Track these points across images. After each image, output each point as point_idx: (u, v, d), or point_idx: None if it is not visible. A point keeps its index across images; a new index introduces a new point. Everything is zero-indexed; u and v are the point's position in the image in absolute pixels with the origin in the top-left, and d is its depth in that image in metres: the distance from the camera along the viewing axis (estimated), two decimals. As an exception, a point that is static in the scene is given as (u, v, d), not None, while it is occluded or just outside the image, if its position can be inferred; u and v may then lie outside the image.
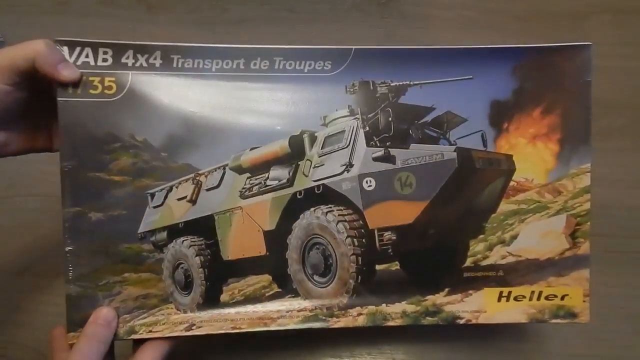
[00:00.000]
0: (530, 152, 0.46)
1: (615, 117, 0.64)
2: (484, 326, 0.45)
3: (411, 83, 0.44)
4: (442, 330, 0.57)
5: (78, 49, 0.42)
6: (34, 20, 0.66)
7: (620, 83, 0.65)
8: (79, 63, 0.42)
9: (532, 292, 0.45)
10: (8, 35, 0.65)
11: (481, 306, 0.45)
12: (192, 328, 0.44)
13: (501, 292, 0.45)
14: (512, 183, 0.46)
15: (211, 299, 0.47)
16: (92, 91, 0.42)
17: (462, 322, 0.44)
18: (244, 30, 0.67)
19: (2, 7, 0.66)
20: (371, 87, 0.44)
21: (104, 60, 0.42)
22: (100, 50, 0.42)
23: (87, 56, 0.42)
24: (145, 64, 0.43)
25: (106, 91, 0.42)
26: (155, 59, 0.43)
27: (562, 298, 0.45)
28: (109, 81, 0.42)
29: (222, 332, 0.44)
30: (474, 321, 0.44)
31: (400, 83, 0.44)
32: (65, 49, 0.41)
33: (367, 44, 0.65)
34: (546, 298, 0.45)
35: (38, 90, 0.43)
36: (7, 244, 0.60)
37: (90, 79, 0.42)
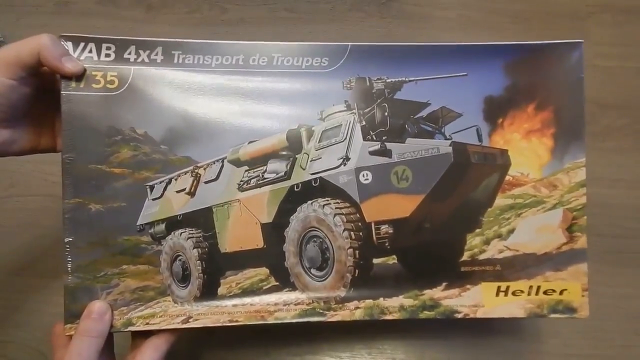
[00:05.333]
0: (525, 147, 0.48)
1: (615, 117, 0.67)
2: (482, 321, 0.47)
3: (406, 79, 0.47)
4: (442, 330, 0.59)
5: (82, 44, 0.45)
6: (34, 20, 0.70)
7: (621, 83, 0.67)
8: (82, 58, 0.45)
9: (530, 286, 0.47)
10: (8, 35, 0.68)
11: (479, 301, 0.47)
12: (189, 321, 0.46)
13: (499, 287, 0.47)
14: (507, 177, 0.48)
15: (208, 292, 0.49)
16: (94, 85, 0.45)
17: (459, 316, 0.46)
18: (244, 31, 0.70)
19: (2, 7, 0.70)
20: (367, 83, 0.47)
21: (107, 55, 0.46)
22: (104, 45, 0.45)
23: (90, 51, 0.45)
24: (147, 60, 0.46)
25: (108, 85, 0.46)
26: (156, 54, 0.46)
27: (561, 293, 0.47)
28: (112, 76, 0.46)
29: (219, 325, 0.46)
30: (471, 315, 0.46)
31: (396, 79, 0.47)
32: (70, 45, 0.45)
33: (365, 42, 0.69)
34: (544, 293, 0.47)
35: (42, 89, 0.46)
36: (7, 243, 0.62)
37: (93, 73, 0.45)
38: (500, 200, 0.49)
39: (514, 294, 0.47)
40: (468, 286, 0.47)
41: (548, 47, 0.48)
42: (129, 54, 0.46)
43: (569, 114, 0.48)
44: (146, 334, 0.47)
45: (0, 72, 0.42)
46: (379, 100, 0.47)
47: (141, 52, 0.46)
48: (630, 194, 0.64)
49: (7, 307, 0.60)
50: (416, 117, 0.49)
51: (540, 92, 0.48)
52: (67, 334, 0.45)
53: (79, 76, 0.45)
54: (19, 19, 0.70)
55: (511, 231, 0.48)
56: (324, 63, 0.47)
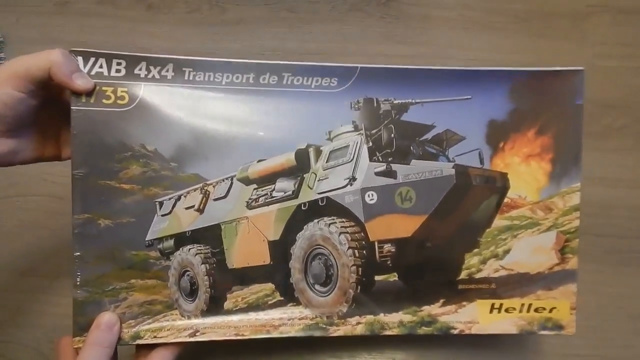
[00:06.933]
0: (524, 171, 0.51)
1: (615, 117, 0.67)
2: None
3: (413, 101, 0.49)
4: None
5: (92, 59, 0.45)
6: (34, 21, 0.69)
7: (621, 83, 0.68)
8: (92, 73, 0.45)
9: (522, 304, 0.50)
10: (8, 35, 0.67)
11: (474, 317, 0.49)
12: (196, 334, 0.48)
13: (493, 304, 0.50)
14: (506, 200, 0.51)
15: (215, 306, 0.51)
16: (105, 101, 0.46)
17: (455, 332, 0.49)
18: (244, 31, 0.70)
19: (2, 7, 0.69)
20: (375, 104, 0.49)
21: (117, 71, 0.46)
22: (114, 61, 0.46)
23: (101, 66, 0.46)
24: (157, 76, 0.47)
25: (119, 101, 0.46)
26: (167, 71, 0.47)
27: (551, 310, 0.50)
28: (122, 91, 0.46)
29: (225, 338, 0.48)
30: (466, 332, 0.49)
31: (403, 101, 0.49)
32: (80, 59, 0.45)
33: (367, 44, 0.70)
34: (535, 310, 0.50)
35: (48, 99, 0.46)
36: (8, 244, 0.63)
37: (104, 89, 0.46)
38: (498, 222, 0.51)
39: (507, 311, 0.50)
40: (464, 303, 0.50)
41: (550, 74, 0.50)
42: (140, 69, 0.46)
43: (567, 139, 0.50)
44: (152, 345, 0.48)
45: (10, 85, 0.42)
46: (385, 122, 0.49)
47: (152, 68, 0.46)
48: (630, 194, 0.65)
49: (8, 308, 0.61)
50: (421, 139, 0.50)
51: (541, 117, 0.50)
52: (75, 346, 0.46)
53: (89, 92, 0.45)
54: (18, 19, 0.69)
55: (507, 251, 0.51)
56: (333, 83, 0.48)
